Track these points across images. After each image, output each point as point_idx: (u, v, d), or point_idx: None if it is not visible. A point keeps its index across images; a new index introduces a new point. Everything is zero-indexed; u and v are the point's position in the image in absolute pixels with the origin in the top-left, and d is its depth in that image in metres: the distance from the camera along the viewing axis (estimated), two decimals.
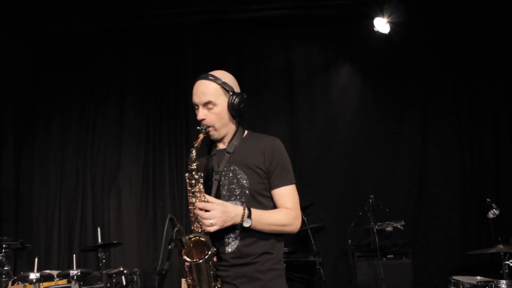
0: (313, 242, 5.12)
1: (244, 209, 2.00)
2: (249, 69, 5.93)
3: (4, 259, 3.80)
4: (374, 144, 5.72)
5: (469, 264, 5.19)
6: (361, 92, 5.88)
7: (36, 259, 4.12)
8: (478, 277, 4.05)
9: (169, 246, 1.77)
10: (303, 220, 5.12)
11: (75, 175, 5.79)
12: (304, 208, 5.17)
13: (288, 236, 5.54)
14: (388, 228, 4.74)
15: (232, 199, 2.09)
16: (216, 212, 1.94)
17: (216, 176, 2.12)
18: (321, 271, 5.07)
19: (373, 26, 5.43)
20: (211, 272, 1.99)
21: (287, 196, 2.13)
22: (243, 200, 2.08)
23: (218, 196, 2.08)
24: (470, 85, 5.67)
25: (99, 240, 4.30)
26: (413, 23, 5.60)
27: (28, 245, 4.25)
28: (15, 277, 4.07)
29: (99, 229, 4.39)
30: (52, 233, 5.62)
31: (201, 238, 1.95)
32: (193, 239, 1.96)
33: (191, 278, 1.99)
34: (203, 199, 1.98)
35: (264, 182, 2.12)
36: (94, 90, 5.97)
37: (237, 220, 1.99)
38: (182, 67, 5.93)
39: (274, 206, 2.15)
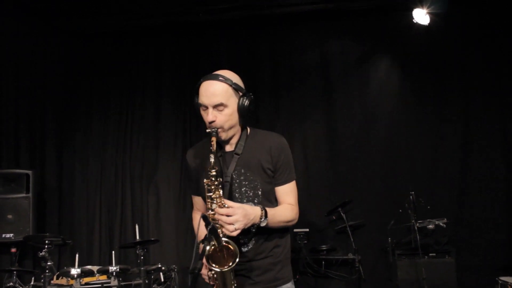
0: (352, 240, 5.05)
1: (262, 210, 2.05)
2: (284, 65, 5.86)
3: (47, 255, 3.87)
4: (414, 139, 5.57)
5: None
6: (400, 86, 5.72)
7: (77, 255, 4.19)
8: None
9: (202, 245, 1.75)
10: (342, 217, 5.11)
11: (115, 172, 5.90)
12: (342, 205, 5.15)
13: (326, 233, 5.53)
14: (430, 226, 4.59)
15: (245, 201, 2.12)
16: (238, 217, 1.95)
17: (226, 178, 2.13)
18: (361, 269, 5.01)
19: (412, 17, 5.26)
20: (233, 277, 2.02)
21: (289, 193, 2.22)
22: (256, 201, 2.12)
23: (230, 198, 2.10)
24: None
25: (137, 237, 4.34)
26: (454, 13, 5.37)
27: (69, 241, 4.35)
28: (58, 273, 4.19)
29: (137, 226, 4.43)
30: (93, 229, 5.75)
31: (229, 245, 1.93)
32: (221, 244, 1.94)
33: (215, 280, 2.03)
34: (223, 204, 1.98)
35: (272, 181, 2.18)
36: (131, 89, 6.05)
37: (256, 220, 2.03)
38: (216, 64, 5.84)
39: None
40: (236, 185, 2.13)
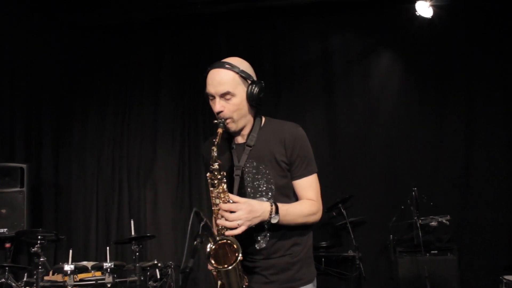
0: (352, 237, 4.95)
1: (271, 205, 1.91)
2: (285, 58, 5.77)
3: (39, 251, 3.79)
4: (416, 134, 5.47)
5: None
6: (402, 80, 5.62)
7: (71, 251, 4.10)
8: None
9: (195, 242, 1.66)
10: (342, 214, 5.01)
11: (112, 167, 5.82)
12: (343, 201, 5.04)
13: (327, 229, 5.44)
14: (433, 223, 4.50)
15: (257, 195, 2.00)
16: (242, 213, 1.84)
17: (237, 172, 2.01)
18: (361, 267, 4.89)
19: (414, 10, 5.17)
20: (239, 273, 1.92)
21: (309, 187, 2.05)
22: (269, 195, 2.00)
23: (242, 193, 1.98)
24: None
25: (133, 233, 4.26)
26: (458, 5, 5.27)
27: (63, 236, 4.27)
28: (51, 269, 4.10)
29: (132, 222, 4.34)
30: (90, 224, 5.68)
31: (228, 241, 1.85)
32: (220, 242, 1.85)
33: (220, 280, 1.94)
34: (227, 200, 1.88)
35: (287, 175, 2.03)
36: (129, 82, 5.98)
37: (265, 217, 1.90)
38: (216, 57, 5.79)
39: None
40: (248, 179, 2.01)
